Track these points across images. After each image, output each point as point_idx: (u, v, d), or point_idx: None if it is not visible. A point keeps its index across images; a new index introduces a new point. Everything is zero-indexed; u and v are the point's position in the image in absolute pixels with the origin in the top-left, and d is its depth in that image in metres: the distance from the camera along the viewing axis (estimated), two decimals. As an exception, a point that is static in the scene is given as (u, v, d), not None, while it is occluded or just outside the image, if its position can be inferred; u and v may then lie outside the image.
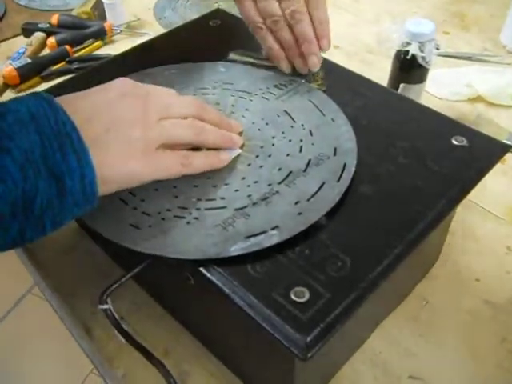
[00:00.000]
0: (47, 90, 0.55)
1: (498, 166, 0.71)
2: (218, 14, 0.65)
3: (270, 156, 0.46)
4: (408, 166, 0.45)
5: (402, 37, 0.69)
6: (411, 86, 0.72)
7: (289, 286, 0.36)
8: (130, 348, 0.40)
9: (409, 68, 0.70)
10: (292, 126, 0.49)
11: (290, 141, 0.47)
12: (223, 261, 0.37)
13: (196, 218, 0.40)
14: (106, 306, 0.39)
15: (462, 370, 0.50)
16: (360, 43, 0.93)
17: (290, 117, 0.50)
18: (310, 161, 0.45)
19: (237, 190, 0.43)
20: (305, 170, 0.44)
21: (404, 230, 0.39)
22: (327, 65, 0.56)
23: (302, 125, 0.49)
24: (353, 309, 0.35)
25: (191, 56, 0.58)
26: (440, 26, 0.96)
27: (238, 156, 0.46)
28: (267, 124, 0.49)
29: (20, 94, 0.81)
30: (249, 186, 0.43)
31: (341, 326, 0.34)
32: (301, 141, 0.47)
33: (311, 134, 0.48)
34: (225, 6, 1.05)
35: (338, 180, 0.43)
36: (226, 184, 0.44)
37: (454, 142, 0.47)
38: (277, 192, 0.42)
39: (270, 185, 0.43)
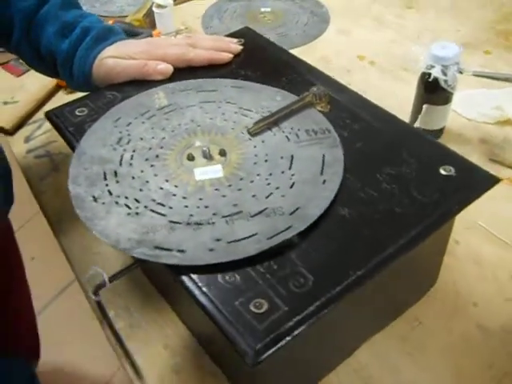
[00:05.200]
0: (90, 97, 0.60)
1: (511, 192, 0.71)
2: (244, 32, 0.68)
3: (239, 190, 0.46)
4: (390, 192, 0.46)
5: (426, 59, 0.70)
6: (435, 107, 0.73)
7: (251, 297, 0.39)
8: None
9: (432, 90, 0.71)
10: (283, 172, 0.48)
11: (268, 184, 0.47)
12: (199, 268, 0.40)
13: (137, 214, 0.44)
14: (97, 298, 0.44)
15: (444, 392, 0.51)
16: (396, 60, 0.93)
17: (290, 163, 0.49)
18: (265, 209, 0.44)
19: (186, 206, 0.45)
20: (252, 216, 0.44)
21: (371, 254, 0.41)
22: (336, 87, 0.58)
23: (293, 175, 0.48)
24: (306, 323, 0.37)
25: (208, 72, 0.62)
26: (482, 45, 0.95)
27: (216, 179, 0.48)
28: (266, 161, 0.49)
29: (71, 95, 0.89)
30: (198, 207, 0.45)
31: (292, 338, 0.36)
32: (277, 188, 0.46)
33: (292, 186, 0.47)
34: (271, 18, 1.09)
35: (270, 238, 0.42)
36: (184, 197, 0.46)
37: (442, 172, 0.47)
38: (213, 223, 0.43)
39: (214, 214, 0.44)
